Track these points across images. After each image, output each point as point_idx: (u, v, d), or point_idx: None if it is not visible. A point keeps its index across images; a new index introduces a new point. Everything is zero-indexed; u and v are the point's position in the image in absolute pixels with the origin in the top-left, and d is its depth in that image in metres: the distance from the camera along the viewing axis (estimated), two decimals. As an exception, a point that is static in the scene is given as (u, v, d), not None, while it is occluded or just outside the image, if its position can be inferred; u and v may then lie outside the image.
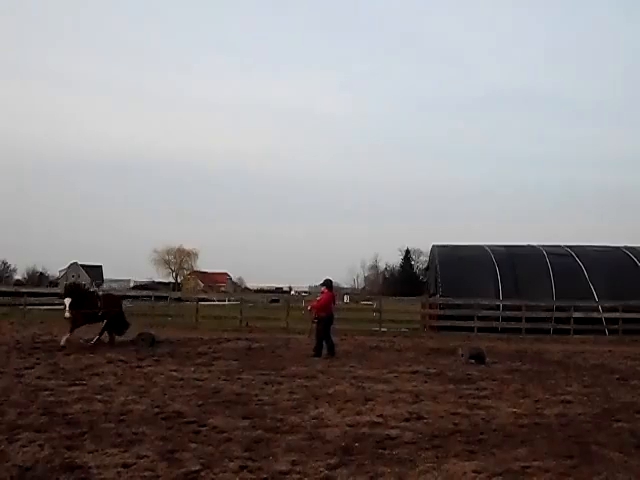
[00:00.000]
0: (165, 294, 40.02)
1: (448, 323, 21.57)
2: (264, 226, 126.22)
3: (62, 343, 13.14)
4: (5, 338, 15.09)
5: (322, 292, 13.86)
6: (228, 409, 7.21)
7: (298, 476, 4.82)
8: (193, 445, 5.59)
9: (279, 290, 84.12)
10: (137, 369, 10.34)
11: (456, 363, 12.34)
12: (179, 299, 39.98)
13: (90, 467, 4.88)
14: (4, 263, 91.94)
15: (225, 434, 6.02)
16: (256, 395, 8.18)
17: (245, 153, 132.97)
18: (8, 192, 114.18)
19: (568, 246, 26.05)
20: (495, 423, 6.83)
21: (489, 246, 26.29)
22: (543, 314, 21.59)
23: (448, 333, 20.44)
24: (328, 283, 13.88)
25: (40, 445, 5.43)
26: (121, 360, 11.33)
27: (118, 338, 14.87)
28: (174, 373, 9.94)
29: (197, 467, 4.94)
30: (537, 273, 23.74)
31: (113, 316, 14.84)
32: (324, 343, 13.14)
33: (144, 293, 36.79)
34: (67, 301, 13.63)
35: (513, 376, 10.69)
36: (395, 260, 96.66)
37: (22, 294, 26.58)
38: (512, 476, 4.91)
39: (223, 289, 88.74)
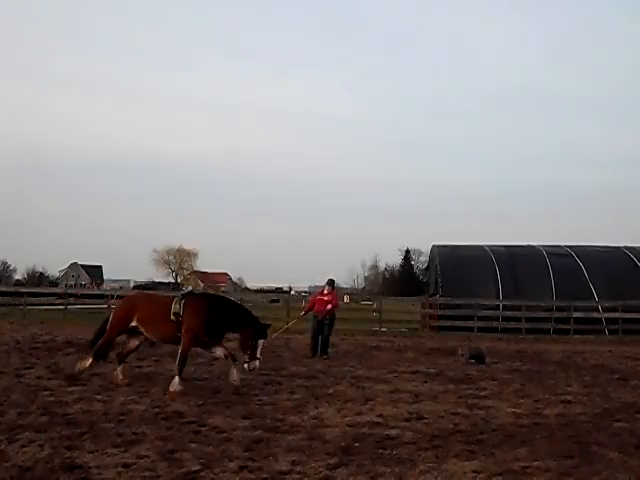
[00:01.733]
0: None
1: (448, 323, 21.58)
2: (264, 226, 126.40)
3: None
4: (5, 338, 15.08)
5: (326, 292, 13.73)
6: (228, 409, 7.21)
7: (298, 476, 4.82)
8: (193, 445, 5.59)
9: (279, 290, 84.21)
10: (137, 369, 10.34)
11: (456, 363, 12.34)
12: (179, 299, 39.89)
13: (90, 467, 4.88)
14: (4, 263, 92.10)
15: (225, 434, 6.02)
16: (256, 395, 8.18)
17: (245, 153, 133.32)
18: (8, 192, 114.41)
19: (568, 246, 26.07)
20: (495, 423, 6.82)
21: (489, 246, 26.30)
22: (543, 314, 21.60)
23: (448, 333, 20.45)
24: (333, 282, 14.20)
25: (40, 445, 5.43)
26: (121, 360, 11.31)
27: None
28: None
29: (197, 467, 4.94)
30: (537, 273, 23.76)
31: None
32: (315, 341, 13.18)
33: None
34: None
35: (513, 376, 10.69)
36: (395, 260, 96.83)
37: (22, 294, 26.60)
38: (512, 476, 4.91)
39: (223, 289, 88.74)
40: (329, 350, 13.32)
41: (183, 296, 8.90)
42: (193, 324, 8.50)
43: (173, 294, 9.39)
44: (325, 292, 13.74)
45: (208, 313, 8.58)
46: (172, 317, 8.56)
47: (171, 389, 8.18)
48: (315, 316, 13.43)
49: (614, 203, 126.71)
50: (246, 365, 8.51)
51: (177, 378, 8.31)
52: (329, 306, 13.42)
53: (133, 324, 8.81)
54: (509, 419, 7.06)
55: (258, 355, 8.48)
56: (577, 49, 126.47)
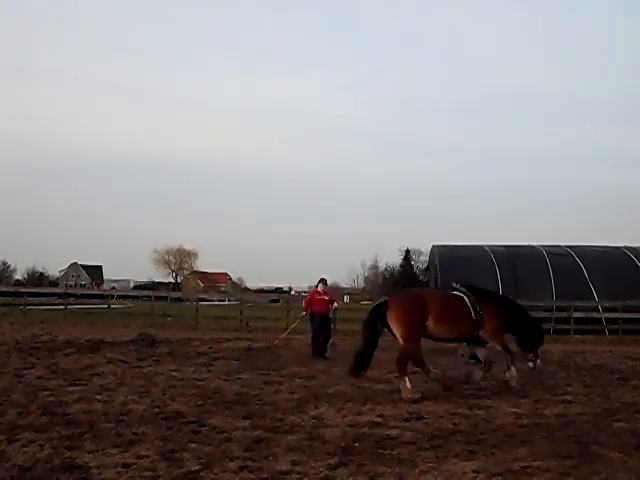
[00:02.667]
0: (165, 294, 40.09)
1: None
2: (264, 226, 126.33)
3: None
4: (5, 338, 15.10)
5: (322, 290, 13.70)
6: (228, 409, 7.21)
7: (298, 476, 4.82)
8: (193, 445, 5.59)
9: (279, 290, 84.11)
10: (137, 369, 10.34)
11: (456, 363, 12.33)
12: (179, 299, 40.04)
13: (90, 467, 4.88)
14: (4, 263, 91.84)
15: (225, 434, 6.02)
16: (256, 395, 8.18)
17: (245, 153, 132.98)
18: (8, 192, 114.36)
19: (568, 246, 26.07)
20: (495, 423, 6.82)
21: (489, 246, 26.30)
22: (543, 314, 21.54)
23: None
24: (326, 281, 14.27)
25: (40, 445, 5.43)
26: (121, 360, 11.33)
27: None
28: (174, 373, 9.94)
29: (197, 467, 4.94)
30: (537, 273, 23.76)
31: None
32: (316, 341, 13.16)
33: (144, 293, 36.85)
34: None
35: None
36: (395, 260, 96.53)
37: (22, 294, 26.63)
38: (512, 476, 4.91)
39: (223, 289, 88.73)
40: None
41: (472, 293, 8.88)
42: (496, 323, 8.72)
43: (454, 291, 9.08)
44: (321, 291, 13.68)
45: (505, 313, 8.86)
46: (474, 316, 8.62)
47: (511, 380, 8.54)
48: (316, 316, 13.38)
49: (614, 203, 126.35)
50: (530, 363, 9.06)
51: (513, 369, 8.68)
52: (335, 304, 13.85)
53: (427, 322, 8.47)
54: (509, 419, 7.06)
55: (539, 355, 9.06)
56: (577, 49, 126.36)
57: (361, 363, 8.50)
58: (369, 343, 8.60)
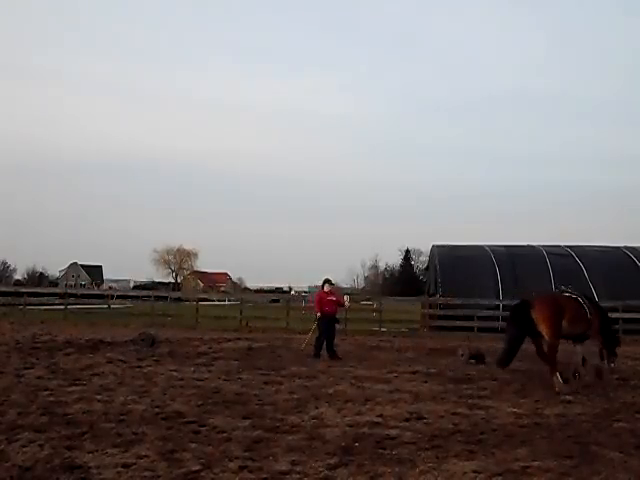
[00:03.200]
0: (165, 294, 40.12)
1: (448, 323, 21.56)
2: (264, 226, 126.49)
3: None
4: (5, 338, 15.09)
5: (328, 290, 13.61)
6: (228, 409, 7.21)
7: (298, 476, 4.82)
8: (193, 445, 5.59)
9: (279, 290, 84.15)
10: (137, 369, 10.34)
11: (456, 363, 12.33)
12: (179, 299, 40.07)
13: (90, 467, 4.88)
14: (4, 263, 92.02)
15: (225, 434, 6.02)
16: (256, 395, 8.18)
17: (245, 153, 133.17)
18: (8, 192, 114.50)
19: (568, 246, 26.07)
20: (495, 423, 6.82)
21: (489, 246, 26.31)
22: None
23: (448, 333, 20.43)
24: (332, 281, 14.18)
25: (40, 445, 5.43)
26: (121, 360, 11.33)
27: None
28: (174, 373, 9.93)
29: (197, 467, 4.94)
30: (537, 273, 23.74)
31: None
32: (321, 341, 13.09)
33: (144, 293, 36.85)
34: None
35: (513, 376, 10.68)
36: (395, 260, 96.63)
37: (22, 294, 26.64)
38: (512, 476, 4.91)
39: (223, 289, 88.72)
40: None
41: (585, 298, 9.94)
42: (599, 324, 9.81)
43: (570, 295, 10.02)
44: (328, 292, 13.59)
45: (600, 316, 9.96)
46: (589, 317, 9.63)
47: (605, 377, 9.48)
48: (325, 317, 13.21)
49: (614, 203, 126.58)
50: (612, 364, 10.14)
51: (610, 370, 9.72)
52: (347, 304, 14.11)
53: (563, 324, 9.40)
54: (509, 419, 7.06)
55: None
56: (577, 49, 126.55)
57: (509, 356, 9.44)
58: (515, 338, 9.54)
